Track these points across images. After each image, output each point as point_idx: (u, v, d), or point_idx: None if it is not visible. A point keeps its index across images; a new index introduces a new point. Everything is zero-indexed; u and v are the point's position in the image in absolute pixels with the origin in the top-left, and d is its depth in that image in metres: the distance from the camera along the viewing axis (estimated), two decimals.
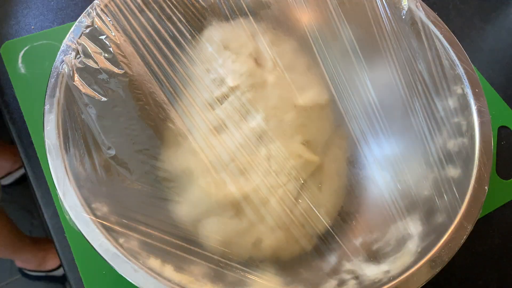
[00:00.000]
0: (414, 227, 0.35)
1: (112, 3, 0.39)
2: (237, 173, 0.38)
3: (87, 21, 0.38)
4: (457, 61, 0.39)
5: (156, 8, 0.41)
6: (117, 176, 0.35)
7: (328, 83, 0.44)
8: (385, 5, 0.41)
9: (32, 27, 0.52)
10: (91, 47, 0.37)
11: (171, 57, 0.40)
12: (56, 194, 0.30)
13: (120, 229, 0.30)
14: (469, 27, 0.61)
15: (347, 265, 0.35)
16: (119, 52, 0.38)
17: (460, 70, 0.39)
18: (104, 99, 0.36)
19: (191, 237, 0.36)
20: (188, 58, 0.42)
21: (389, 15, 0.41)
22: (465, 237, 0.32)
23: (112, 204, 0.32)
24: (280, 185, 0.38)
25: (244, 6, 0.44)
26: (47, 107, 0.33)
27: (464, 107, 0.38)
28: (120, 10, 0.39)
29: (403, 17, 0.41)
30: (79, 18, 0.38)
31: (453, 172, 0.36)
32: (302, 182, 0.39)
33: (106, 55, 0.37)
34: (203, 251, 0.35)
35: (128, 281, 0.28)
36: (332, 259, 0.37)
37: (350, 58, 0.43)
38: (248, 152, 0.39)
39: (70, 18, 0.53)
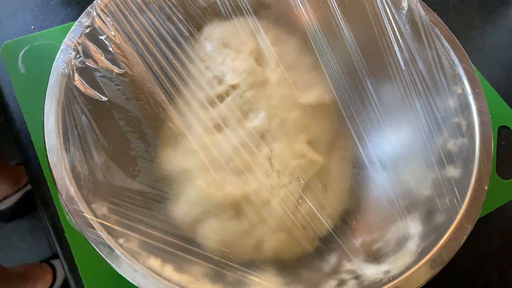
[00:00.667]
0: (414, 227, 0.35)
1: (112, 3, 0.39)
2: (237, 173, 0.38)
3: (87, 21, 0.38)
4: (457, 61, 0.39)
5: (156, 8, 0.41)
6: (117, 176, 0.35)
7: (329, 83, 0.44)
8: (385, 5, 0.41)
9: (32, 27, 0.52)
10: (91, 47, 0.37)
11: (171, 56, 0.40)
12: (56, 194, 0.30)
13: (120, 229, 0.30)
14: (469, 27, 0.61)
15: (347, 265, 0.35)
16: (119, 52, 0.38)
17: (460, 70, 0.39)
18: (104, 99, 0.36)
19: (191, 237, 0.36)
20: (188, 57, 0.42)
21: (389, 15, 0.41)
22: (465, 237, 0.32)
23: (112, 204, 0.32)
24: (282, 185, 0.38)
25: (245, 6, 0.44)
26: (47, 107, 0.33)
27: (464, 107, 0.38)
28: (120, 10, 0.39)
29: (403, 17, 0.41)
30: (79, 18, 0.38)
31: (453, 172, 0.36)
32: (305, 183, 0.39)
33: (106, 55, 0.37)
34: (203, 251, 0.35)
35: (128, 281, 0.28)
36: (332, 259, 0.37)
37: (351, 58, 0.43)
38: (249, 152, 0.39)
39: (70, 18, 0.53)
